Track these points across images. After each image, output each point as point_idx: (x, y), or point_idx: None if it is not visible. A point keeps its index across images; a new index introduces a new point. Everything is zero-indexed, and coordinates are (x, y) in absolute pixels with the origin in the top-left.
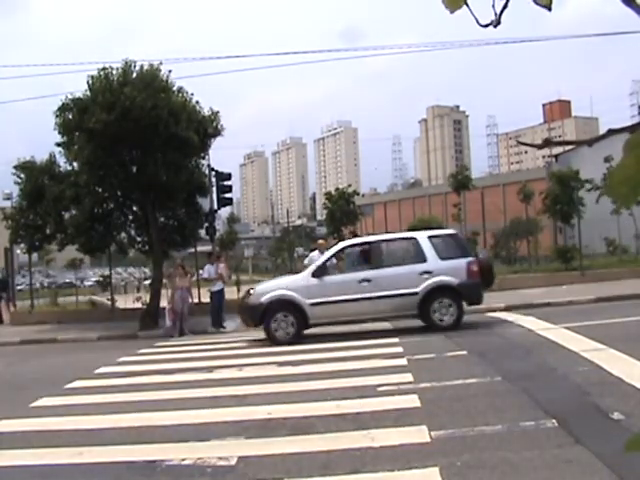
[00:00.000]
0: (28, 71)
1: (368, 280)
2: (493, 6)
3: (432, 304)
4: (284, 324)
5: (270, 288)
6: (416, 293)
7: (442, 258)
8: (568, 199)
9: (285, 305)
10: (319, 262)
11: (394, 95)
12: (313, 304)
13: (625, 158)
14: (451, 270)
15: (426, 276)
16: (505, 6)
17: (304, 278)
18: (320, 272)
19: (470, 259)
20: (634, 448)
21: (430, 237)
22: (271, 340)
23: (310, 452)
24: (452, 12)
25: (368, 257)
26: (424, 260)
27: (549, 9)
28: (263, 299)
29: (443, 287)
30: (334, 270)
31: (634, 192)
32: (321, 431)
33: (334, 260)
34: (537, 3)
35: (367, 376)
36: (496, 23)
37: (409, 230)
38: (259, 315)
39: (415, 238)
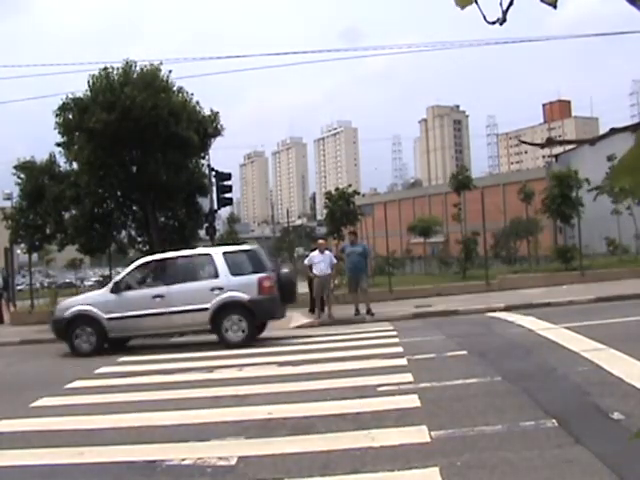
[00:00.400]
0: (28, 71)
1: (161, 296)
2: (500, 3)
3: (223, 320)
4: (85, 337)
5: (73, 303)
6: (207, 309)
7: (234, 274)
8: (567, 199)
9: (85, 319)
10: (117, 278)
11: (394, 95)
12: (110, 318)
13: (634, 148)
14: (242, 286)
15: (217, 292)
16: (511, 3)
17: (103, 294)
18: (117, 288)
19: (262, 275)
20: None
21: (225, 253)
22: (74, 352)
23: (310, 452)
24: (463, 8)
25: (164, 273)
26: (217, 276)
27: (554, 6)
28: (66, 314)
29: (233, 303)
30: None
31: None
32: (321, 431)
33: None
34: (543, 0)
35: (367, 376)
36: (502, 20)
37: (408, 230)
38: (63, 329)
39: (210, 254)
